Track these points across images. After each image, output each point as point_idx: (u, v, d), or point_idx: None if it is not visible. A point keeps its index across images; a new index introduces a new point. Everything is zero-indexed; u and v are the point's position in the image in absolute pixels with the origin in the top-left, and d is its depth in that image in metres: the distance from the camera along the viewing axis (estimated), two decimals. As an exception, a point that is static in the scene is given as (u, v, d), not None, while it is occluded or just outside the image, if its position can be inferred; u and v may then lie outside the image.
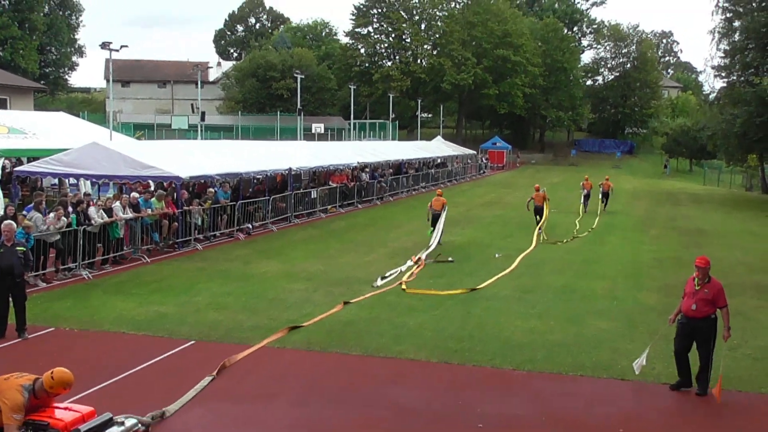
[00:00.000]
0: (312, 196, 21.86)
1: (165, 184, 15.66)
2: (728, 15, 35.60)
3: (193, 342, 8.41)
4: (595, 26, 76.69)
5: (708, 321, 7.11)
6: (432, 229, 16.40)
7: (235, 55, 76.82)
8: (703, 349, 7.18)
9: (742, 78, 34.56)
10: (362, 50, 64.36)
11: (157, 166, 14.89)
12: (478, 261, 14.67)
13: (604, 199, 26.48)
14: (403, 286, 11.80)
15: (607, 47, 72.12)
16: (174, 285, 11.60)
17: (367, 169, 27.70)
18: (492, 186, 36.19)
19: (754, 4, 33.96)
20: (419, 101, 58.45)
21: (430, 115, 70.30)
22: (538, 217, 19.57)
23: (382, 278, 12.60)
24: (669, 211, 26.49)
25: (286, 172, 20.20)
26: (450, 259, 14.53)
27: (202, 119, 36.53)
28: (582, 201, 25.56)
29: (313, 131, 46.68)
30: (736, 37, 34.80)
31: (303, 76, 45.94)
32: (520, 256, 15.10)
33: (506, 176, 45.33)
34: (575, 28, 77.10)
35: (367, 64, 64.32)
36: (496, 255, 15.45)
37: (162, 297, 10.67)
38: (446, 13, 63.16)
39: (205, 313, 9.79)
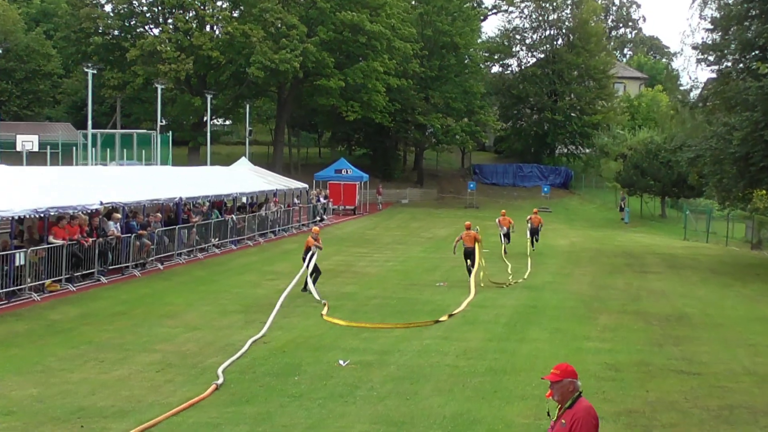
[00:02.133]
0: (17, 263, 16.22)
1: None
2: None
3: None
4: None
5: None
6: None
7: None
8: None
9: (741, 65, 25.11)
10: (107, 5, 47.66)
11: None
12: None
13: (532, 238, 29.06)
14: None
15: (525, 11, 60.55)
16: None
17: (118, 215, 20.76)
18: (338, 244, 29.91)
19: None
20: (209, 98, 42.83)
21: (228, 123, 62.89)
22: (468, 261, 20.85)
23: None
24: (629, 283, 22.18)
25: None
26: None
27: None
28: (501, 241, 27.60)
29: (18, 147, 37.03)
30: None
31: (-1, 50, 34.17)
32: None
33: (361, 226, 39.13)
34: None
35: (116, 32, 47.85)
36: (439, 284, 19.45)
37: None
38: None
39: None
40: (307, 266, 18.14)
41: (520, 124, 69.22)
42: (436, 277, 22.12)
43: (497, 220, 29.41)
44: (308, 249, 18.60)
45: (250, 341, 13.18)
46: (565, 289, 21.02)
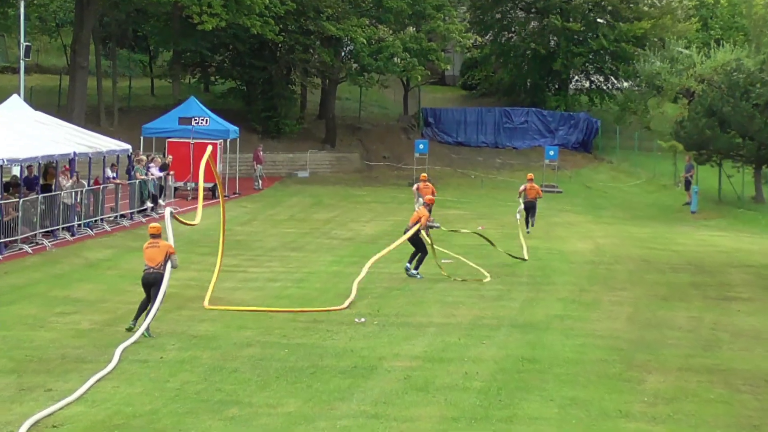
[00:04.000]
0: None
1: None
2: None
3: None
4: None
5: None
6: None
7: None
8: None
9: None
10: None
11: None
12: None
13: (527, 216, 36.50)
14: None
15: None
16: None
17: None
18: (186, 249, 27.25)
19: None
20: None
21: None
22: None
23: None
24: (698, 318, 23.23)
25: None
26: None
27: None
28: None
29: None
30: None
31: None
32: None
33: (227, 219, 45.69)
34: None
35: None
36: (358, 320, 21.00)
37: None
38: None
39: None
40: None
41: (508, 37, 69.02)
42: (358, 309, 22.61)
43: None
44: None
45: (27, 425, 13.55)
46: (585, 328, 21.47)
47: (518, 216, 35.89)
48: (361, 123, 67.10)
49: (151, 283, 19.89)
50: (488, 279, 27.22)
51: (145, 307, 19.69)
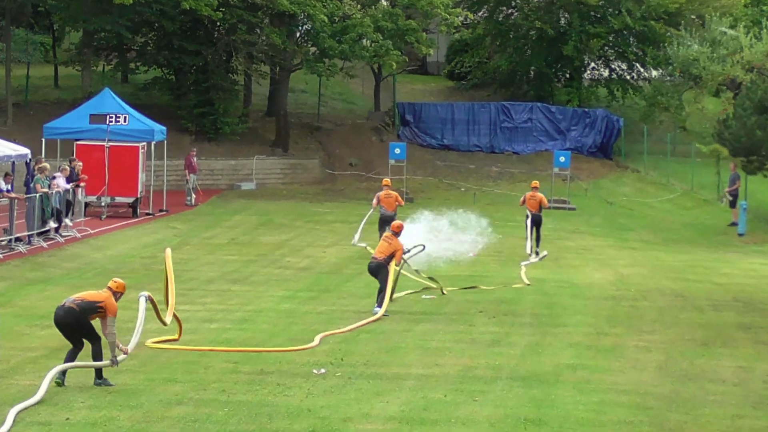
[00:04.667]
0: None
1: None
2: None
3: None
4: None
5: None
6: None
7: None
8: None
9: None
10: None
11: None
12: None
13: (532, 232, 39.07)
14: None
15: None
16: None
17: None
18: (99, 281, 31.10)
19: None
20: None
21: None
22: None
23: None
24: (748, 368, 23.32)
25: None
26: None
27: None
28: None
29: None
30: None
31: None
32: None
33: (150, 242, 41.69)
34: None
35: None
36: (317, 371, 20.97)
37: None
38: None
39: None
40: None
41: (507, 14, 69.31)
42: (316, 356, 22.57)
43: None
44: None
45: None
46: (605, 381, 21.40)
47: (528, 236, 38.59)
48: (322, 122, 67.15)
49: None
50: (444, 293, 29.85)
51: (72, 357, 19.64)
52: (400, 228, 29.20)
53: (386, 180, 41.36)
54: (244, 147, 61.07)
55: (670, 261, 40.67)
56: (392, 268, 27.98)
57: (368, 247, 36.65)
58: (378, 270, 27.95)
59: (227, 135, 61.31)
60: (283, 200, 54.23)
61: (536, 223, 38.61)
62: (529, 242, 38.76)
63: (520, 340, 24.96)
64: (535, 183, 40.69)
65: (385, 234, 30.99)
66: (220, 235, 43.35)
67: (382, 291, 27.73)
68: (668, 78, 65.50)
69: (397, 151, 56.76)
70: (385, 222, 36.63)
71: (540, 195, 39.54)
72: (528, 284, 32.69)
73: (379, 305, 27.38)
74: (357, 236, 39.59)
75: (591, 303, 30.64)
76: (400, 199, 39.56)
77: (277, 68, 63.50)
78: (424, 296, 29.18)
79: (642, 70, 69.18)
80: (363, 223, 40.11)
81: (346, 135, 65.55)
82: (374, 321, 26.58)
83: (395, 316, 27.15)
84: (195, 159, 53.17)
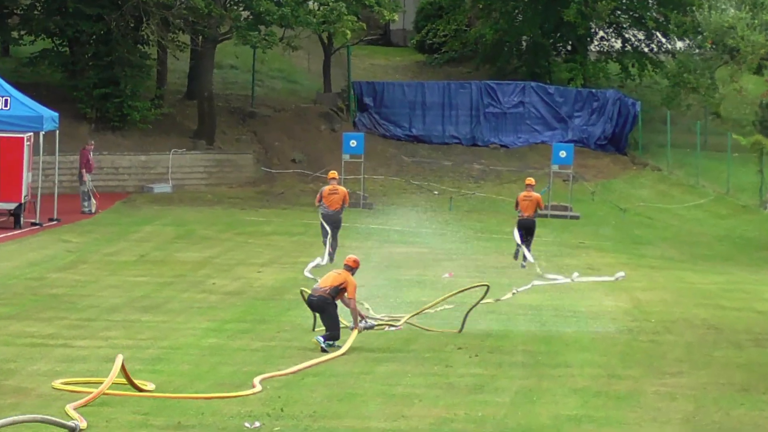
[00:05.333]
0: None
1: None
2: None
3: None
4: None
5: None
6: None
7: None
8: None
9: None
10: None
11: None
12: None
13: (522, 240, 39.69)
14: None
15: None
16: None
17: None
18: None
19: None
20: None
21: None
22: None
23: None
24: None
25: None
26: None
27: None
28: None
29: None
30: None
31: None
32: None
33: (34, 260, 41.95)
34: None
35: None
36: (249, 425, 20.86)
37: None
38: None
39: None
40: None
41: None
42: (249, 406, 22.34)
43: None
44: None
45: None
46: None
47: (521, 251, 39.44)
48: (257, 106, 67.45)
49: None
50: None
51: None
52: (356, 264, 29.38)
53: (333, 172, 42.22)
54: (158, 139, 61.24)
55: (700, 283, 40.91)
56: (353, 308, 28.11)
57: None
58: (323, 307, 28.14)
59: (136, 123, 61.62)
60: (207, 206, 54.26)
61: (527, 229, 39.54)
62: (526, 250, 39.29)
63: (509, 384, 24.79)
64: (530, 180, 41.81)
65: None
66: (126, 250, 43.27)
67: (329, 332, 27.93)
68: (697, 51, 65.79)
69: (353, 143, 56.97)
70: (328, 223, 38.09)
71: (536, 195, 40.86)
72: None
73: (327, 339, 27.57)
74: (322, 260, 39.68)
75: (600, 337, 30.77)
76: (347, 197, 40.28)
77: (200, 38, 63.79)
78: (392, 326, 29.09)
79: (664, 40, 69.80)
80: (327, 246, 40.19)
81: (287, 123, 65.77)
82: (329, 360, 26.33)
83: (351, 354, 26.97)
84: (91, 154, 52.90)
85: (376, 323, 29.82)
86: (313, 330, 28.79)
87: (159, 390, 23.58)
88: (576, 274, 37.59)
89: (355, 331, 28.02)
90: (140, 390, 22.40)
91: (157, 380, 24.42)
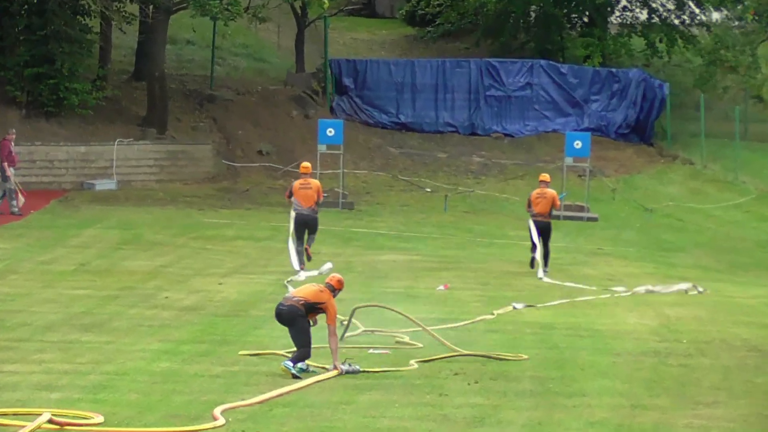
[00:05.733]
0: None
1: None
2: None
3: None
4: None
5: None
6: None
7: None
8: None
9: None
10: None
11: None
12: None
13: (541, 243, 40.15)
14: None
15: None
16: None
17: None
18: None
19: None
20: None
21: None
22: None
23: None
24: None
25: None
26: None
27: None
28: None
29: None
30: None
31: None
32: None
33: None
34: None
35: None
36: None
37: None
38: None
39: None
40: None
41: None
42: None
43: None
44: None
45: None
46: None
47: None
48: (217, 89, 67.51)
49: None
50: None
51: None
52: (340, 286, 28.94)
53: (305, 164, 42.13)
54: (101, 127, 61.29)
55: (740, 297, 41.04)
56: (332, 338, 27.98)
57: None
58: (293, 319, 27.90)
59: (74, 108, 61.64)
60: (159, 206, 54.27)
61: (543, 232, 39.81)
62: (538, 253, 39.84)
63: (516, 417, 24.78)
64: (545, 176, 41.87)
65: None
66: (63, 258, 43.27)
67: (299, 351, 27.85)
68: (736, 23, 66.04)
69: (330, 132, 57.01)
70: (303, 225, 38.69)
71: (552, 192, 41.05)
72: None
73: (296, 360, 27.45)
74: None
75: (622, 361, 30.73)
76: (320, 191, 40.40)
77: (150, 8, 63.64)
78: (375, 349, 29.15)
79: (697, 11, 69.91)
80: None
81: (253, 109, 65.93)
82: (302, 388, 26.16)
83: (328, 381, 26.92)
84: (13, 144, 52.74)
85: (361, 369, 28.19)
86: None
87: (104, 423, 23.72)
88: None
89: (335, 372, 27.56)
90: (78, 425, 22.43)
91: (100, 411, 24.37)
